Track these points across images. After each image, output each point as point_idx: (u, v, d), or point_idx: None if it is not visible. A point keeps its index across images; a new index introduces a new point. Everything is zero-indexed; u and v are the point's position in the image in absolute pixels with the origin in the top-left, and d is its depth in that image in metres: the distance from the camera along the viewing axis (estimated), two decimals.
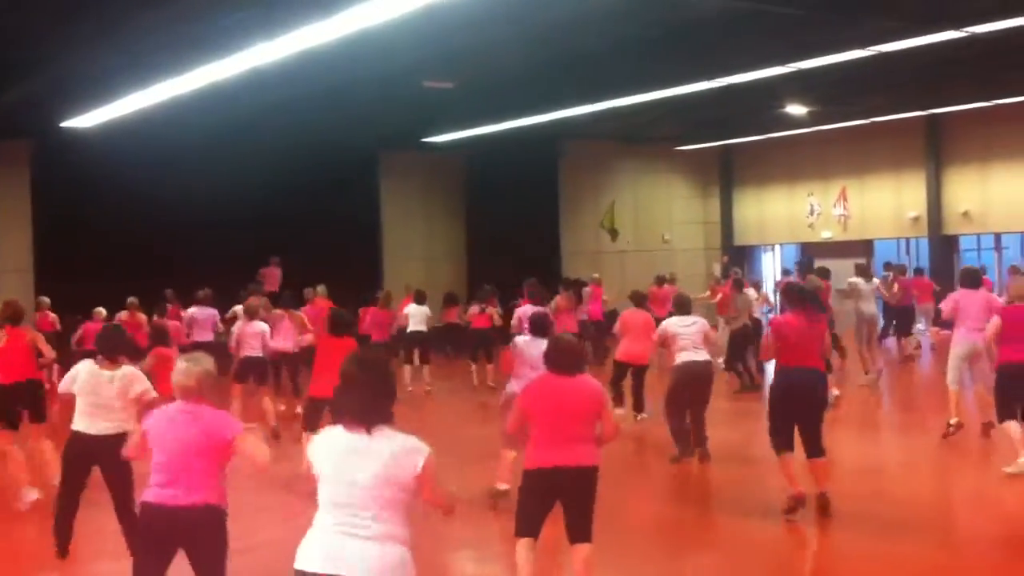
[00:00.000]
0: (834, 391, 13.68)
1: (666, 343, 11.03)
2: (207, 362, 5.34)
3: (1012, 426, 9.52)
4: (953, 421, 11.10)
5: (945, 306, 11.28)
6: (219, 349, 13.11)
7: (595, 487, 6.03)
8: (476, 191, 25.89)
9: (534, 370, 8.35)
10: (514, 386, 8.78)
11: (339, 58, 12.85)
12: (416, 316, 16.51)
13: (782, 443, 8.40)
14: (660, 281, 19.58)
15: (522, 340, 9.07)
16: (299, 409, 12.43)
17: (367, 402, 4.15)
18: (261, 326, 13.12)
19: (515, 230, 23.90)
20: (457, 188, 26.38)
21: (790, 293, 8.92)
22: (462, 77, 16.70)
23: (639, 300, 13.54)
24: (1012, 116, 22.27)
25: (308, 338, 12.42)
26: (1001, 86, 20.12)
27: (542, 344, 8.75)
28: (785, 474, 8.40)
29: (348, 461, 4.10)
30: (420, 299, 16.83)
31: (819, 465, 8.40)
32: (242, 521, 6.22)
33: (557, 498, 6.04)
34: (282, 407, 13.57)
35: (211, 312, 15.60)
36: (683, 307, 11.36)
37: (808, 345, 8.38)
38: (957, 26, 13.35)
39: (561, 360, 6.21)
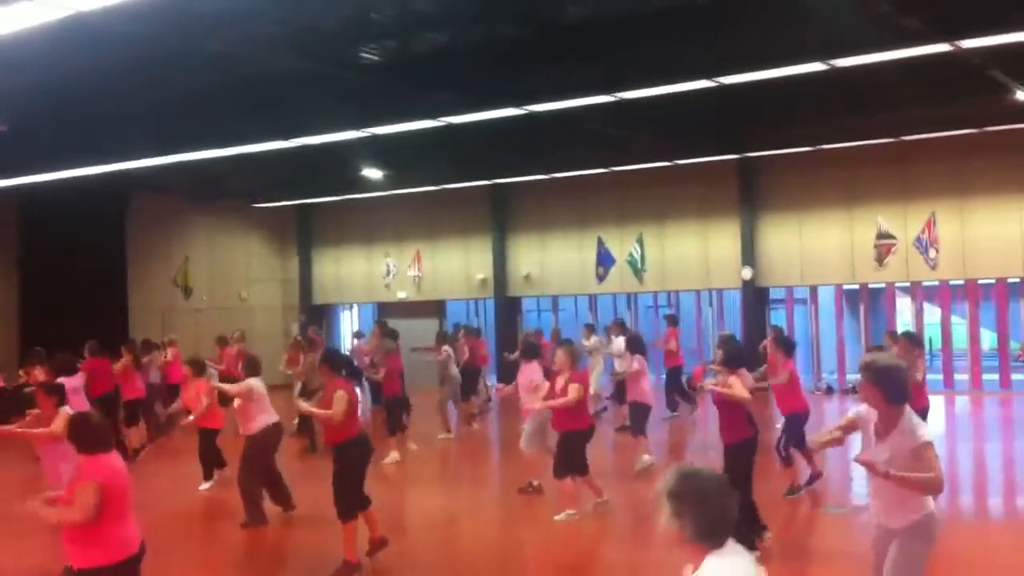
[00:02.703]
0: (395, 454, 14.27)
1: (248, 403, 10.75)
2: None
3: (567, 481, 10.35)
4: (535, 483, 11.79)
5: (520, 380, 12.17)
6: None
7: None
8: (32, 244, 23.76)
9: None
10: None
11: None
12: None
13: (359, 506, 8.61)
14: (222, 341, 19.18)
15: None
16: None
17: None
18: None
19: (78, 287, 22.25)
20: (9, 240, 24.04)
21: (329, 358, 9.31)
22: (16, 119, 15.32)
23: (198, 368, 12.92)
24: (564, 189, 24.36)
25: None
26: (556, 161, 21.95)
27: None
28: (352, 540, 8.56)
29: None
30: None
31: (371, 515, 8.95)
32: None
33: None
34: None
35: None
36: (254, 368, 11.18)
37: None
38: (516, 104, 14.34)
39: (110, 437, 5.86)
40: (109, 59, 11.70)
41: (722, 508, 3.19)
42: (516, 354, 16.70)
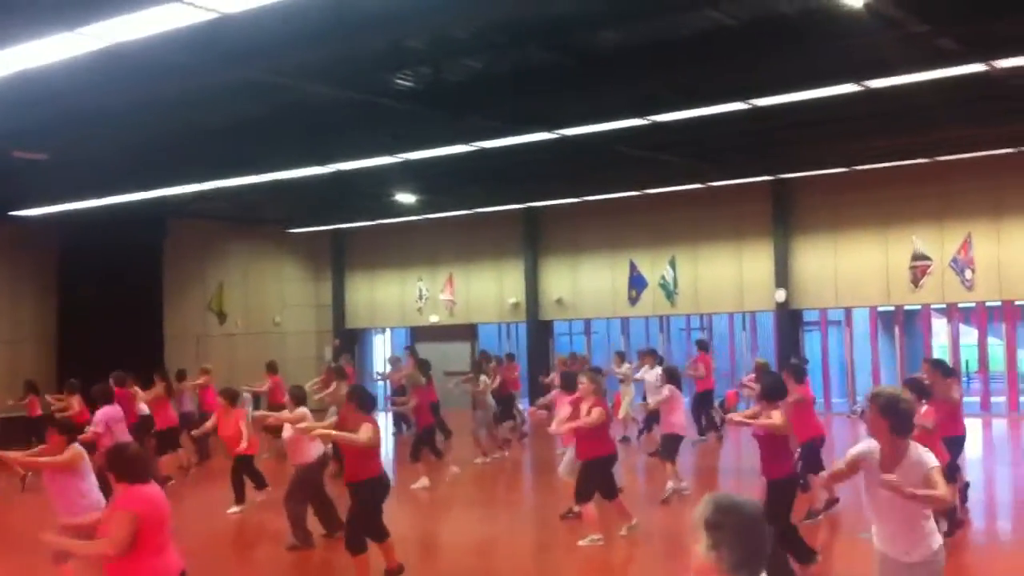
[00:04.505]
0: (424, 480, 14.35)
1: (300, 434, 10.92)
2: None
3: (590, 507, 10.38)
4: (576, 509, 11.70)
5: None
6: None
7: None
8: (70, 269, 24.02)
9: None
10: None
11: None
12: None
13: (376, 538, 8.75)
14: (272, 368, 19.39)
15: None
16: None
17: None
18: None
19: (114, 311, 22.46)
20: (49, 266, 24.31)
21: (358, 396, 9.09)
22: (57, 148, 15.57)
23: (231, 398, 13.32)
24: (596, 212, 24.35)
25: None
26: (588, 184, 21.97)
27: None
28: (364, 570, 8.75)
29: None
30: None
31: (388, 545, 9.05)
32: None
33: None
34: None
35: None
36: (300, 399, 11.42)
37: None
38: (549, 128, 14.38)
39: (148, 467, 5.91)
40: (146, 88, 11.86)
41: (759, 541, 3.08)
42: (552, 377, 16.80)
